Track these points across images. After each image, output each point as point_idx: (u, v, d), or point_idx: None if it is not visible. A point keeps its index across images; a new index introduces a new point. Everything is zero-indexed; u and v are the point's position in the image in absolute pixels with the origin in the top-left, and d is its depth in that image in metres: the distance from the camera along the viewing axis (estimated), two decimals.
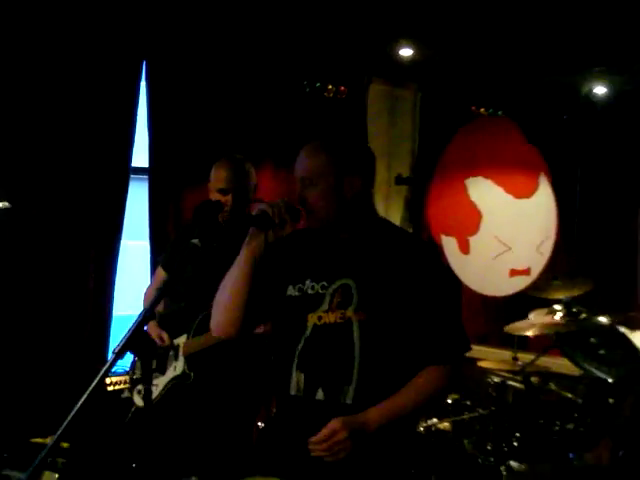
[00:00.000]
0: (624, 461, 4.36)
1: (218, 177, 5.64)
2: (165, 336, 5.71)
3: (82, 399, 2.99)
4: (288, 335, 4.04)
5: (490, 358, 7.28)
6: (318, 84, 8.28)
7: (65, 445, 5.72)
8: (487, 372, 6.92)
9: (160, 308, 5.85)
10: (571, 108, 9.57)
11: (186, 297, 5.71)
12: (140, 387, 5.92)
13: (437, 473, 6.13)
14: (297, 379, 3.96)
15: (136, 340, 3.21)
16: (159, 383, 5.78)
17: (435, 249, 4.42)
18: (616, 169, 9.89)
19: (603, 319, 6.64)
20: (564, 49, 7.49)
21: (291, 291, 4.05)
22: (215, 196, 5.56)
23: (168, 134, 7.21)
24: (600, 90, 8.85)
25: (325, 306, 3.94)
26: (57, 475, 5.36)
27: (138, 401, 5.92)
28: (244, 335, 4.19)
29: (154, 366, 5.77)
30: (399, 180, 9.08)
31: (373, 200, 4.16)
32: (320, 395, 3.90)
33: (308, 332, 3.97)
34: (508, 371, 6.79)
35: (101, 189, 6.82)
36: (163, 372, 5.72)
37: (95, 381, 3.04)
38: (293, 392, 3.95)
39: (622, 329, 6.48)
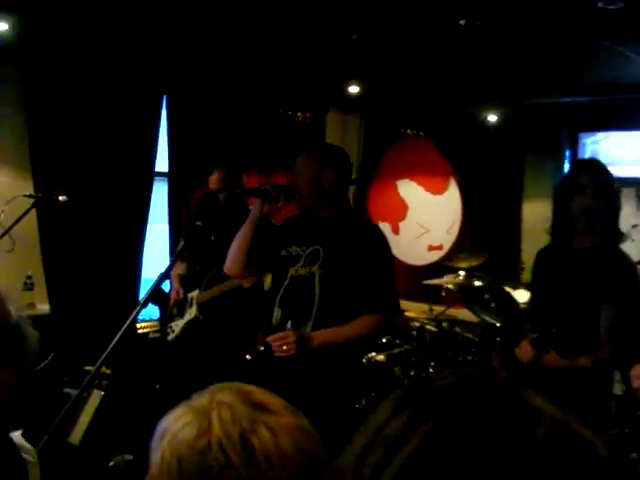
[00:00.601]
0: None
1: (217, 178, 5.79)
2: (181, 291, 5.89)
3: (117, 336, 3.13)
4: (276, 282, 4.22)
5: (413, 309, 7.29)
6: (290, 112, 8.30)
7: (108, 371, 5.80)
8: (411, 319, 6.99)
9: (182, 271, 5.99)
10: (472, 131, 9.61)
11: (198, 262, 5.84)
12: (168, 327, 6.05)
13: (368, 395, 6.23)
14: (277, 313, 4.14)
15: (154, 294, 3.36)
16: (179, 324, 5.88)
17: (381, 232, 4.52)
18: (504, 174, 9.97)
19: (494, 281, 6.75)
20: (468, 88, 7.54)
21: (283, 252, 4.23)
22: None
23: (181, 148, 7.25)
24: (493, 118, 8.90)
25: (300, 263, 4.13)
26: (102, 392, 5.44)
27: (167, 337, 6.05)
28: (245, 274, 4.64)
29: (175, 312, 5.89)
30: None
31: (347, 192, 4.35)
32: (289, 325, 4.07)
33: (287, 280, 4.14)
34: (426, 319, 6.85)
35: (132, 188, 6.86)
36: (182, 316, 5.83)
37: (126, 323, 3.22)
38: (274, 322, 4.15)
39: (507, 288, 6.59)
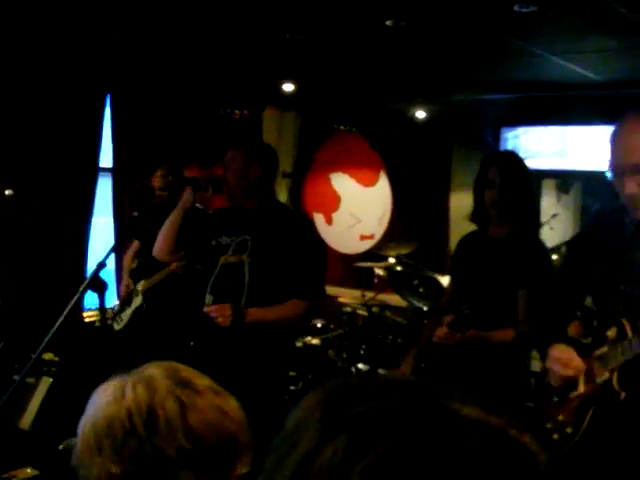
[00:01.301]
0: (424, 372, 4.48)
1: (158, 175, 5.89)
2: (130, 284, 6.12)
3: (56, 324, 3.21)
4: (208, 270, 4.34)
5: (346, 295, 7.40)
6: (229, 109, 8.35)
7: (56, 358, 5.81)
8: (344, 304, 7.10)
9: (134, 265, 6.21)
10: (402, 126, 9.71)
11: (142, 255, 5.94)
12: (117, 317, 6.10)
13: (305, 378, 6.33)
14: (209, 300, 4.27)
15: (93, 283, 3.44)
16: (127, 312, 5.96)
17: (309, 222, 4.65)
18: (432, 167, 10.09)
19: (423, 268, 6.88)
20: (397, 85, 7.63)
21: (213, 242, 4.36)
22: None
23: (125, 144, 7.26)
24: (421, 114, 9.01)
25: (230, 252, 4.23)
26: (51, 379, 5.46)
27: (116, 326, 6.10)
28: (171, 259, 4.77)
29: (124, 304, 5.99)
30: (284, 175, 9.13)
31: (272, 185, 4.46)
32: None
33: (217, 268, 4.26)
34: (358, 304, 6.96)
35: (77, 182, 6.85)
36: (130, 305, 5.92)
37: (65, 312, 3.31)
38: (205, 309, 4.24)
39: (435, 274, 6.73)
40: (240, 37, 5.62)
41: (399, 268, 6.91)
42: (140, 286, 5.98)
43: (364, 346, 6.64)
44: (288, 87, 7.49)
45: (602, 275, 3.02)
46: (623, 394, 2.80)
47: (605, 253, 3.04)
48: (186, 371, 1.70)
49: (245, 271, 4.24)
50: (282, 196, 9.14)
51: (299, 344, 6.51)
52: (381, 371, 6.37)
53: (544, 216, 11.09)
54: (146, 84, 7.23)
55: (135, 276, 6.10)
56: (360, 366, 6.48)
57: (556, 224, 9.16)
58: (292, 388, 6.27)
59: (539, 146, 8.15)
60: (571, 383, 3.06)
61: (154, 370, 1.67)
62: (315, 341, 6.63)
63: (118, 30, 5.44)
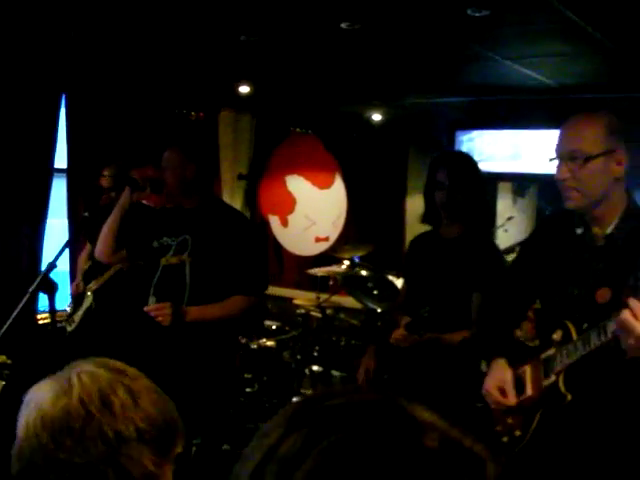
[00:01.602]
0: (385, 384, 4.52)
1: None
2: (81, 284, 6.10)
3: (5, 326, 3.19)
4: (150, 271, 4.35)
5: (301, 297, 7.37)
6: (185, 111, 8.33)
7: (8, 361, 5.75)
8: (299, 307, 7.11)
9: (87, 266, 6.18)
10: (358, 128, 9.74)
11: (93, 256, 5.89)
12: (70, 319, 6.06)
13: (260, 379, 6.33)
14: (152, 301, 4.30)
15: (42, 284, 3.42)
16: (79, 314, 5.92)
17: (247, 218, 4.72)
18: (388, 169, 10.12)
19: (377, 270, 6.90)
20: (352, 88, 7.65)
21: (155, 244, 4.38)
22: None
23: (80, 145, 7.19)
24: (377, 117, 9.05)
25: (171, 252, 4.25)
26: (3, 382, 5.40)
27: (68, 328, 6.05)
28: (113, 259, 4.73)
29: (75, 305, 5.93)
30: (240, 177, 9.12)
31: (210, 183, 4.49)
32: None
33: (159, 269, 4.26)
34: (313, 306, 6.96)
35: (32, 183, 6.78)
36: (81, 306, 5.89)
37: (14, 313, 3.28)
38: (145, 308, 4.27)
39: (390, 277, 6.75)
40: (196, 38, 5.61)
41: (355, 271, 6.92)
42: (90, 287, 5.96)
43: (318, 348, 6.64)
44: (244, 89, 7.48)
45: (550, 278, 3.07)
46: (569, 396, 2.83)
47: (554, 256, 3.09)
48: (115, 362, 1.73)
49: (186, 271, 4.27)
50: (238, 198, 9.13)
51: (254, 346, 6.50)
52: (335, 373, 6.39)
53: (500, 219, 11.19)
54: (102, 84, 7.16)
55: (87, 277, 6.09)
56: (314, 368, 6.49)
57: (511, 227, 9.23)
58: (248, 390, 6.27)
59: (493, 149, 8.20)
60: (519, 386, 3.10)
61: (87, 365, 1.69)
62: (270, 343, 6.63)
63: (74, 29, 5.40)
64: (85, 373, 1.65)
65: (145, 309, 4.18)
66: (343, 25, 4.98)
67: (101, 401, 1.59)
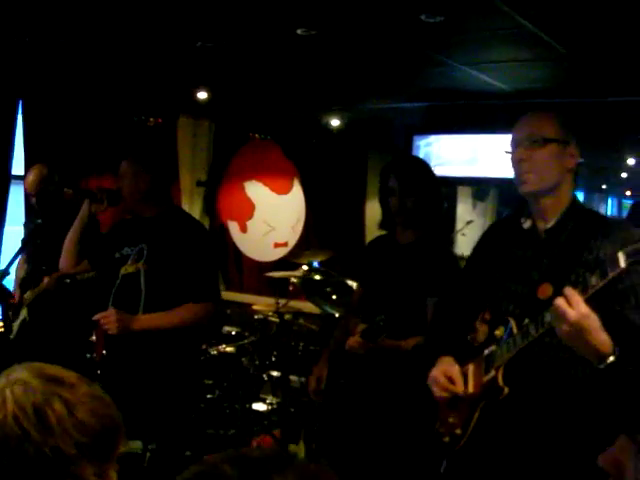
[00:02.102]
0: (342, 389, 4.56)
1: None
2: (18, 293, 5.74)
3: None
4: (110, 281, 4.36)
5: (260, 303, 7.41)
6: (143, 117, 8.32)
7: None
8: (258, 312, 7.13)
9: (24, 274, 5.89)
10: (317, 134, 9.77)
11: (28, 263, 5.76)
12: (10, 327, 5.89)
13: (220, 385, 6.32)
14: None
15: None
16: (15, 324, 5.76)
17: (203, 227, 4.73)
18: (348, 174, 10.15)
19: (335, 275, 6.92)
20: (311, 93, 7.68)
21: (117, 255, 4.40)
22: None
23: (37, 152, 7.13)
24: (335, 122, 9.07)
25: (129, 262, 4.26)
26: None
27: (11, 336, 5.88)
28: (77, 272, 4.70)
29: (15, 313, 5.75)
30: (199, 183, 9.12)
31: (167, 192, 4.49)
32: None
33: (119, 279, 4.30)
34: (272, 311, 6.97)
35: None
36: (18, 316, 5.71)
37: None
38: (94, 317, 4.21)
39: (350, 282, 6.77)
40: (152, 44, 5.60)
41: (313, 276, 6.94)
42: (25, 298, 5.78)
43: (276, 353, 6.66)
44: (202, 95, 7.47)
45: (497, 277, 3.12)
46: (506, 390, 2.89)
47: (501, 255, 3.15)
48: (52, 368, 1.70)
49: (141, 279, 4.27)
50: (197, 204, 9.13)
51: (214, 352, 6.49)
52: (293, 378, 6.40)
53: (459, 223, 11.29)
54: (59, 90, 7.12)
55: (23, 285, 5.88)
56: (273, 373, 6.51)
57: (470, 231, 9.31)
58: (209, 396, 6.26)
59: (451, 154, 8.26)
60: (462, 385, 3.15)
61: (22, 372, 1.66)
62: (230, 349, 6.61)
63: (29, 35, 5.38)
64: (18, 384, 1.60)
65: (93, 318, 4.16)
66: (299, 31, 5.01)
67: (36, 417, 1.55)
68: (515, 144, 3.00)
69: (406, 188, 4.14)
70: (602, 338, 2.47)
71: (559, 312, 2.45)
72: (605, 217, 3.14)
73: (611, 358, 2.47)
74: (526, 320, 2.81)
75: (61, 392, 1.61)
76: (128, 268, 4.34)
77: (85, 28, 5.20)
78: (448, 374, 3.15)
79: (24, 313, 5.66)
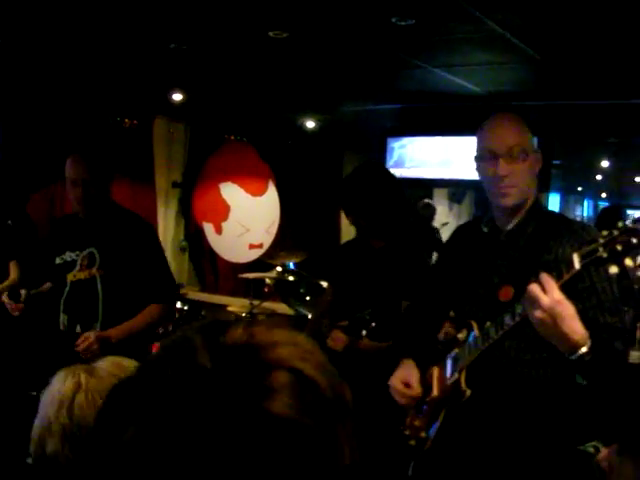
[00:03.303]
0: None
1: None
2: None
3: None
4: (57, 290, 4.28)
5: (235, 304, 7.45)
6: (118, 118, 8.31)
7: None
8: (232, 313, 7.13)
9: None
10: (292, 136, 9.78)
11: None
12: None
13: None
14: (63, 319, 4.26)
15: None
16: None
17: (146, 222, 4.65)
18: (324, 176, 10.16)
19: (309, 276, 6.93)
20: (286, 96, 7.69)
21: (58, 260, 4.33)
22: None
23: (13, 155, 7.14)
24: (310, 124, 9.09)
25: (77, 267, 4.20)
26: None
27: None
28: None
29: None
30: (175, 185, 9.13)
31: (108, 192, 4.36)
32: (78, 329, 4.20)
33: (67, 287, 4.23)
34: (246, 312, 6.98)
35: None
36: None
37: None
38: (61, 327, 4.27)
39: (323, 283, 6.77)
40: (127, 46, 5.61)
41: (287, 277, 6.94)
42: None
43: None
44: (177, 97, 7.48)
45: (460, 280, 3.14)
46: (468, 392, 2.93)
47: (464, 258, 3.18)
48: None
49: (98, 285, 4.22)
50: (172, 206, 9.13)
51: None
52: None
53: (436, 224, 11.32)
54: (33, 92, 7.09)
55: None
56: None
57: (446, 233, 9.34)
58: None
59: (425, 156, 8.29)
60: (427, 388, 3.19)
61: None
62: None
63: (3, 37, 5.36)
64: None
65: (76, 349, 4.05)
66: (271, 34, 5.03)
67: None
68: (491, 156, 2.94)
69: (353, 212, 4.21)
70: (576, 327, 2.46)
71: (532, 297, 2.46)
72: (565, 218, 3.15)
73: (584, 349, 2.46)
74: (487, 323, 2.84)
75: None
76: (77, 274, 4.26)
77: (61, 30, 5.20)
78: (405, 380, 3.20)
79: None
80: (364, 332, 4.07)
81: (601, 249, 2.39)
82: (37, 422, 1.72)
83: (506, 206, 2.97)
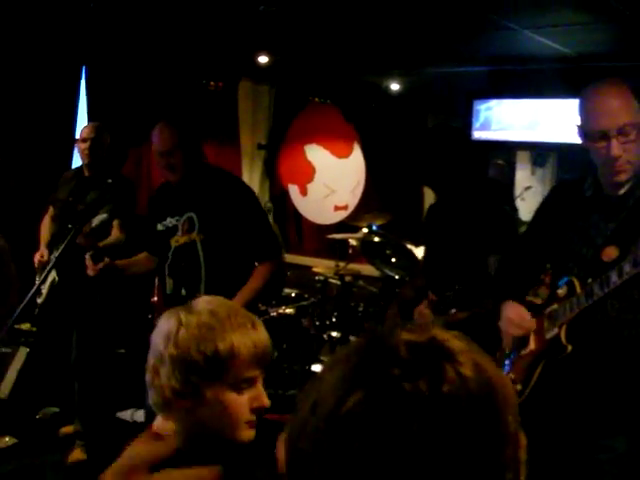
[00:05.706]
0: None
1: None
2: (46, 253, 5.61)
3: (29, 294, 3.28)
4: (162, 255, 4.41)
5: (320, 265, 7.50)
6: (204, 81, 8.40)
7: (34, 329, 5.80)
8: (318, 274, 7.18)
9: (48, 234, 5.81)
10: (377, 98, 9.75)
11: (56, 221, 5.75)
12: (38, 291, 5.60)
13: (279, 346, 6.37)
14: (169, 283, 4.37)
15: None
16: (46, 286, 5.56)
17: (243, 183, 4.69)
18: (407, 139, 10.14)
19: (395, 238, 6.95)
20: (371, 57, 7.69)
21: (159, 227, 4.44)
22: None
23: (101, 118, 7.16)
24: (395, 86, 9.06)
25: (179, 232, 4.29)
26: (28, 349, 5.49)
27: (39, 300, 5.62)
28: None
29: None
30: (259, 147, 9.21)
31: (201, 158, 4.47)
32: (183, 292, 4.30)
33: (171, 251, 4.33)
34: (332, 273, 7.03)
35: (53, 156, 6.87)
36: (46, 278, 5.30)
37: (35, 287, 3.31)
38: (168, 291, 4.39)
39: (409, 245, 6.80)
40: (214, 8, 5.65)
41: (373, 238, 6.96)
42: (53, 255, 5.44)
43: (336, 314, 6.70)
44: (263, 59, 7.52)
45: (559, 240, 3.13)
46: (570, 347, 2.94)
47: (564, 219, 3.16)
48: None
49: (199, 249, 4.30)
50: (257, 168, 9.21)
51: (273, 313, 6.55)
52: (353, 338, 6.44)
53: (518, 189, 11.20)
54: (121, 55, 7.21)
55: (51, 245, 5.66)
56: (333, 334, 6.56)
57: (529, 197, 9.23)
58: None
59: (511, 118, 8.20)
60: (523, 341, 3.21)
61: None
62: (289, 310, 6.68)
63: (93, 2, 5.45)
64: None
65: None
66: None
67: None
68: (602, 135, 2.85)
69: (424, 169, 4.36)
70: None
71: None
72: None
73: None
74: (589, 280, 2.84)
75: None
76: (179, 239, 4.35)
77: None
78: (519, 313, 3.21)
79: (53, 274, 5.51)
80: (453, 310, 4.09)
81: None
82: (150, 355, 1.99)
83: (621, 182, 2.93)
